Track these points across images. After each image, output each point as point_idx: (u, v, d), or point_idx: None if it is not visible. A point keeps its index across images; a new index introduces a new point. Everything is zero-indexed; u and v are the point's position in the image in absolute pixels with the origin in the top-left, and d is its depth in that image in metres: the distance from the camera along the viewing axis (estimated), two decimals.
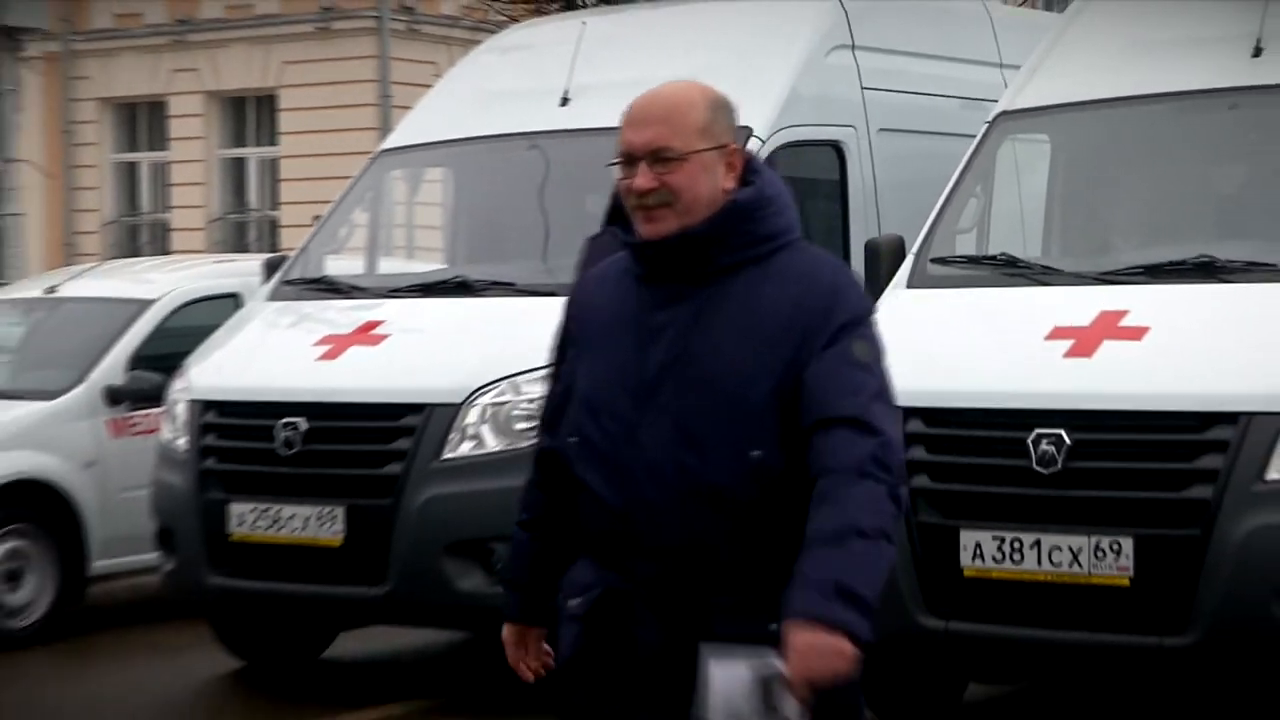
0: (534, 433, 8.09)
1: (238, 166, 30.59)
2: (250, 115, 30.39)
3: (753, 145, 9.34)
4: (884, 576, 3.51)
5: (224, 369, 9.81)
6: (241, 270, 12.48)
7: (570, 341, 3.99)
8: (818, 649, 3.35)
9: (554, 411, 4.02)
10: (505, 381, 8.88)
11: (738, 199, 3.66)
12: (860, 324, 3.65)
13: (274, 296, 10.37)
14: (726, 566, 3.57)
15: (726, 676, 3.45)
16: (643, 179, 3.62)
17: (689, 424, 3.57)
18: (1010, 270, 8.37)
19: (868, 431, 3.51)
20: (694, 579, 3.59)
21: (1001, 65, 10.52)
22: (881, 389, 3.62)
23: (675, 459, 3.56)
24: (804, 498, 3.51)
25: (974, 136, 9.06)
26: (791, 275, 3.65)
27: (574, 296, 4.04)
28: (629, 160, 3.68)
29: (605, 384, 3.71)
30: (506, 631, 4.09)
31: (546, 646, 4.06)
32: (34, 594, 11.03)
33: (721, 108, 3.74)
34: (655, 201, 3.62)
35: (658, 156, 3.61)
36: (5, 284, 16.66)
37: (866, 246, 8.88)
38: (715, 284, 3.63)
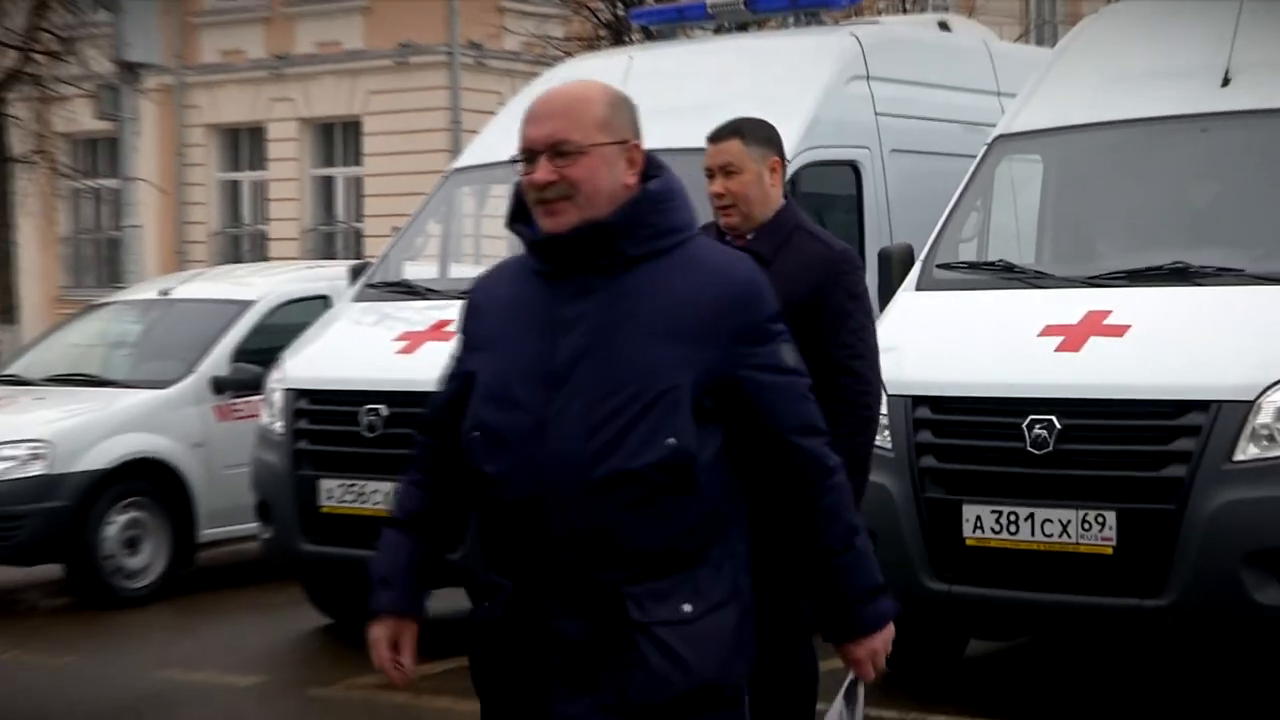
0: None
1: (327, 184, 30.41)
2: (338, 139, 30.11)
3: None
4: (874, 558, 3.67)
5: (315, 362, 10.00)
6: (330, 275, 12.72)
7: (466, 343, 3.64)
8: (878, 650, 3.59)
9: (438, 411, 3.70)
10: None
11: (649, 189, 3.45)
12: (777, 324, 3.52)
13: (358, 298, 10.56)
14: (638, 554, 3.34)
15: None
16: (542, 172, 3.39)
17: (603, 413, 3.32)
18: (1007, 275, 8.42)
19: (815, 433, 3.51)
20: (605, 568, 3.33)
21: (999, 94, 10.41)
22: (810, 388, 3.56)
23: (587, 448, 3.31)
24: (720, 485, 3.41)
25: (975, 157, 9.07)
26: (704, 267, 3.46)
27: (471, 299, 3.68)
28: (529, 156, 3.44)
29: (511, 378, 3.43)
30: (377, 629, 3.72)
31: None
32: (150, 559, 11.31)
33: (621, 104, 3.52)
34: (555, 194, 3.39)
35: (557, 150, 3.39)
36: (124, 287, 16.83)
37: (880, 254, 8.86)
38: (624, 275, 3.40)
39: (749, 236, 5.74)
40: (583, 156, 3.39)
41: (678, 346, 3.35)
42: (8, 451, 10.99)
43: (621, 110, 3.51)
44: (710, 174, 5.75)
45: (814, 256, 5.74)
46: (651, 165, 3.52)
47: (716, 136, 5.82)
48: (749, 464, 3.49)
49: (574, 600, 3.36)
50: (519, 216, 3.52)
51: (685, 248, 3.47)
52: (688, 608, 3.35)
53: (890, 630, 3.64)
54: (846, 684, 3.74)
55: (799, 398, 3.51)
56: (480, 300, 3.65)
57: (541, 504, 3.35)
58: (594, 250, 3.40)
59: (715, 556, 3.42)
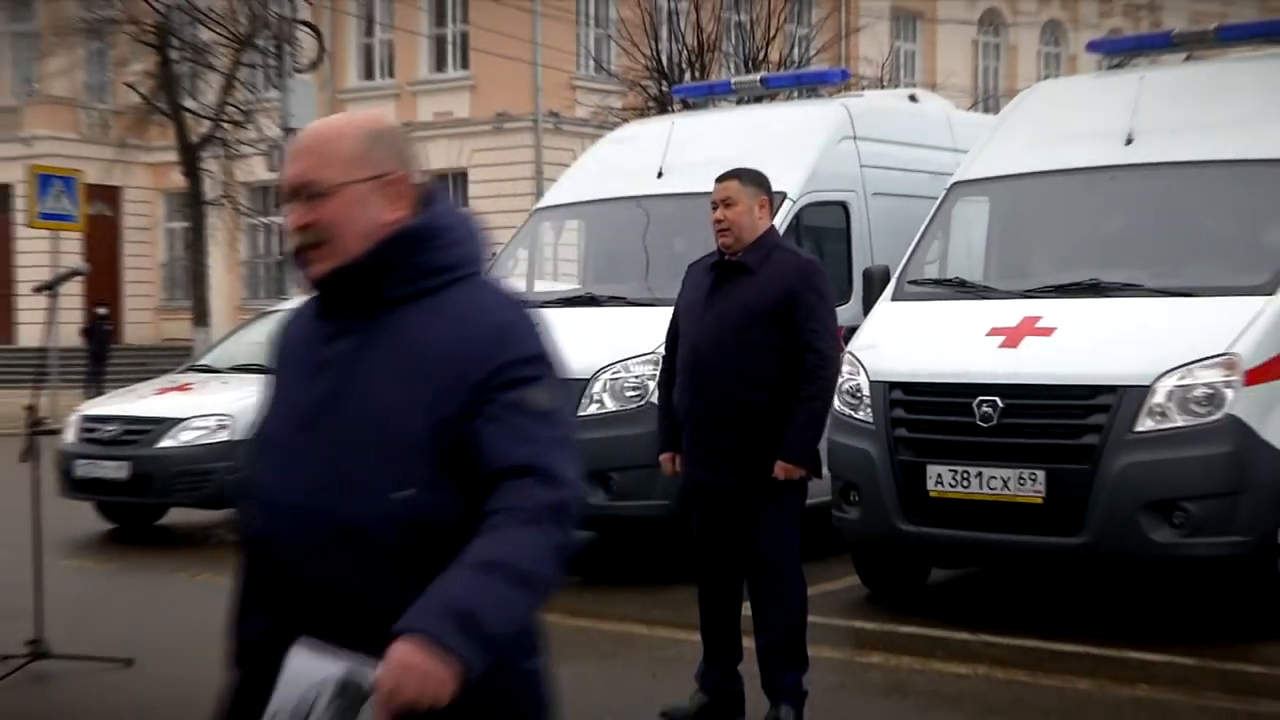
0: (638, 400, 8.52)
1: None
2: (452, 186, 29.86)
3: (786, 203, 9.42)
4: (518, 625, 2.36)
5: None
6: None
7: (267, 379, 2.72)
8: (416, 669, 2.20)
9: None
10: (611, 367, 8.87)
11: (407, 228, 2.49)
12: (532, 366, 2.47)
13: None
14: (372, 612, 2.35)
15: (306, 668, 2.32)
16: (293, 216, 2.49)
17: (337, 461, 2.41)
18: (961, 289, 8.42)
19: (546, 480, 2.37)
20: (339, 623, 2.39)
21: (955, 150, 10.26)
22: (561, 436, 2.46)
23: (319, 498, 2.41)
24: (461, 543, 2.35)
25: (936, 198, 9.05)
26: (460, 311, 2.47)
27: (276, 333, 2.76)
28: (288, 198, 2.54)
29: (274, 420, 2.59)
30: None
31: None
32: None
33: (380, 137, 2.54)
34: (309, 240, 2.48)
35: (305, 192, 2.47)
36: (288, 298, 16.64)
37: (864, 273, 9.07)
38: (382, 317, 2.48)
39: (740, 253, 5.84)
40: (332, 197, 2.47)
41: (423, 393, 2.41)
42: (200, 422, 11.02)
43: (382, 142, 2.53)
44: (715, 205, 5.86)
45: (788, 266, 5.83)
46: (426, 200, 2.57)
47: (721, 178, 5.96)
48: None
49: None
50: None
51: (454, 289, 2.50)
52: None
53: (445, 677, 2.21)
54: (344, 678, 2.28)
55: (531, 438, 2.39)
56: (278, 336, 2.72)
57: (280, 553, 2.49)
58: (350, 292, 2.50)
59: None
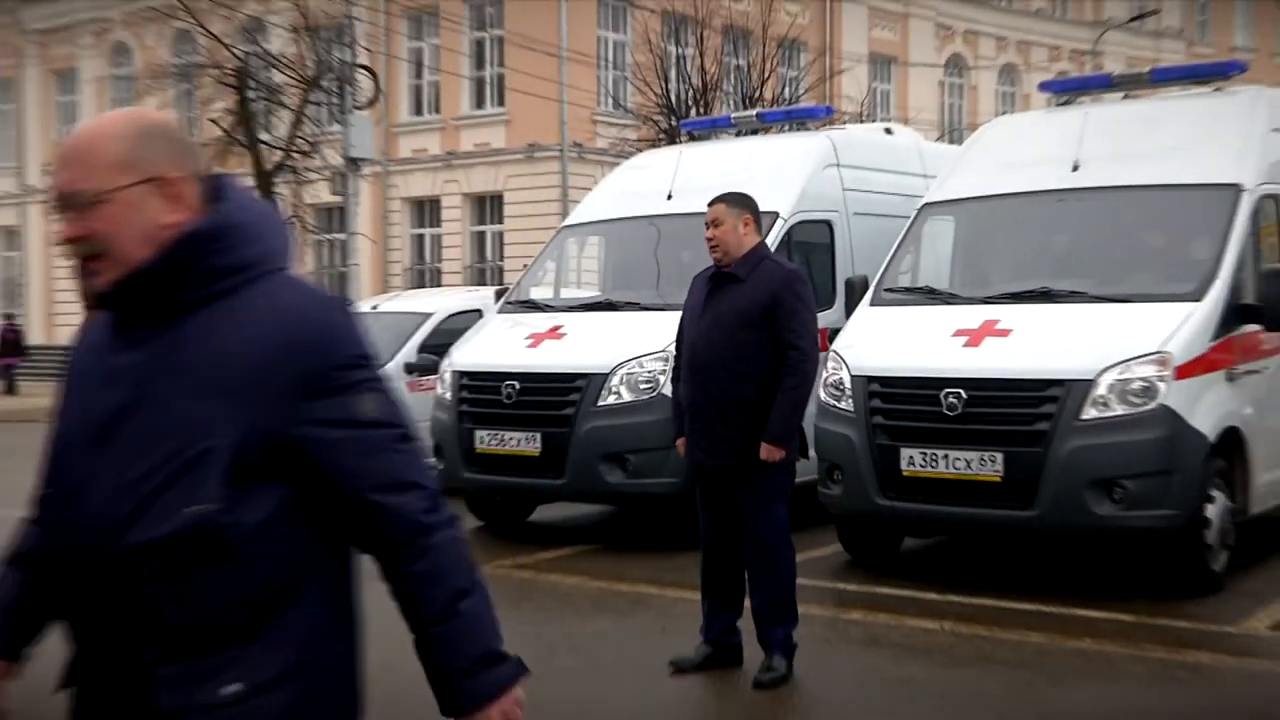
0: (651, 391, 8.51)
1: (480, 237, 30.31)
2: (488, 207, 30.10)
3: (778, 222, 9.40)
4: (493, 613, 2.11)
5: (472, 353, 9.63)
6: (483, 296, 12.60)
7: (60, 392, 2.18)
8: (512, 713, 2.08)
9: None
10: (627, 363, 8.80)
11: (194, 230, 2.00)
12: (359, 369, 2.05)
13: (500, 311, 10.42)
14: (170, 631, 1.96)
15: None
16: (65, 229, 2.02)
17: (129, 476, 1.95)
18: (930, 296, 8.39)
19: (406, 489, 2.03)
20: (139, 646, 1.96)
21: (925, 175, 10.23)
22: (400, 439, 2.06)
23: (114, 515, 1.95)
24: (276, 552, 1.98)
25: (908, 218, 9.07)
26: (266, 311, 2.00)
27: (72, 345, 2.22)
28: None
29: (68, 433, 2.08)
30: None
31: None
32: None
33: (148, 136, 2.03)
34: (86, 252, 2.01)
35: (73, 203, 1.99)
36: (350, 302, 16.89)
37: (846, 282, 9.02)
38: (176, 324, 2.00)
39: (732, 265, 5.88)
40: (102, 206, 1.98)
41: (221, 401, 1.96)
42: None
43: (151, 142, 2.03)
44: (707, 225, 5.92)
45: (773, 275, 5.84)
46: (217, 197, 2.07)
47: (711, 202, 6.00)
48: (341, 527, 2.07)
49: (113, 680, 2.00)
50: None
51: (255, 289, 2.02)
52: (233, 689, 1.96)
53: (512, 696, 2.09)
54: None
55: (378, 450, 2.03)
56: (77, 345, 2.20)
57: (73, 574, 2.02)
58: (138, 301, 2.02)
59: (271, 630, 1.99)
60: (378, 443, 2.04)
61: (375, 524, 2.04)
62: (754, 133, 11.25)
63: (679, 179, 10.27)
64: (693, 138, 11.89)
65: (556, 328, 9.46)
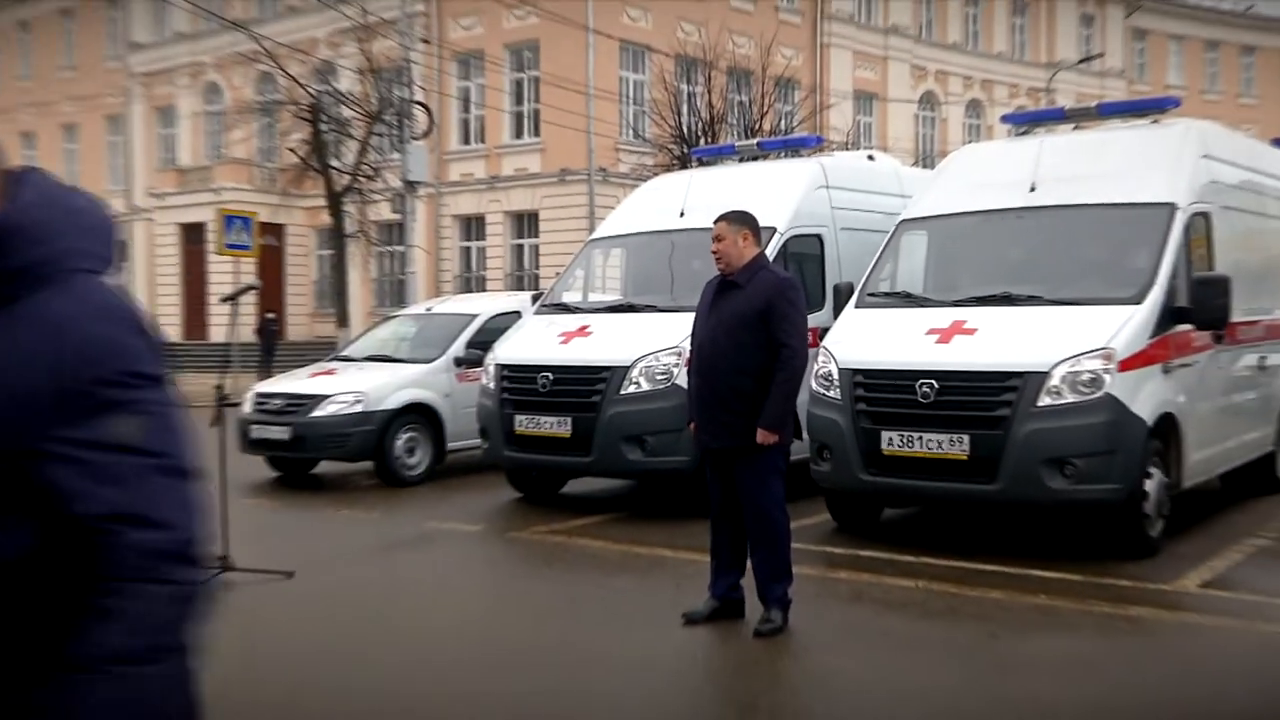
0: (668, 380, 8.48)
1: (519, 249, 30.36)
2: (526, 223, 30.18)
3: (776, 235, 9.31)
4: (177, 694, 1.48)
5: (513, 348, 9.61)
6: (521, 300, 12.45)
7: None
8: None
9: None
10: (645, 357, 8.67)
11: None
12: (123, 388, 1.48)
13: (537, 312, 10.32)
14: None
15: None
16: None
17: None
18: (907, 299, 8.34)
19: (143, 525, 1.45)
20: None
21: (902, 196, 10.17)
22: (159, 469, 1.49)
23: None
24: (60, 585, 1.46)
25: (888, 232, 9.02)
26: (34, 321, 1.47)
27: None
28: None
29: None
30: None
31: None
32: (420, 459, 11.14)
33: None
34: None
35: None
36: (406, 307, 16.57)
37: (834, 287, 8.96)
38: None
39: (734, 274, 5.87)
40: None
41: None
42: (342, 397, 10.92)
43: None
44: (713, 240, 5.92)
45: (769, 282, 5.82)
46: (16, 191, 1.53)
47: (715, 220, 5.99)
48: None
49: None
50: None
51: (38, 295, 1.49)
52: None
53: None
54: None
55: (122, 478, 1.47)
56: None
57: None
58: None
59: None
60: (124, 470, 1.47)
61: (90, 554, 1.46)
62: (755, 159, 11.18)
63: (690, 199, 10.22)
64: (702, 163, 11.84)
65: (584, 327, 9.43)
